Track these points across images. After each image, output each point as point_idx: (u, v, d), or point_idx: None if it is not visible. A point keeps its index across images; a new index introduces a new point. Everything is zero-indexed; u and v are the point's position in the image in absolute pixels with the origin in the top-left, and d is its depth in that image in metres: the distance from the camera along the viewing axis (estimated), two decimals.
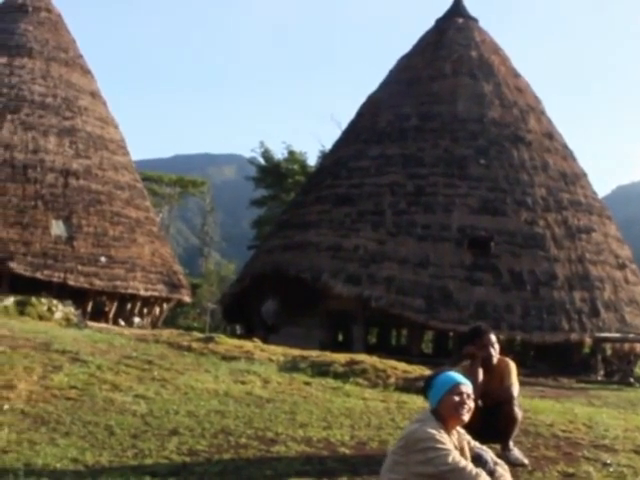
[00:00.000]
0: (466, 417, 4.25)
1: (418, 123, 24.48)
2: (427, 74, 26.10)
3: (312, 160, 46.23)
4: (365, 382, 10.17)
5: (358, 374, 10.52)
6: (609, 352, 20.13)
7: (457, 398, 4.18)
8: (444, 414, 4.18)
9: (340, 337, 24.97)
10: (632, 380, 17.94)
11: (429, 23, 29.01)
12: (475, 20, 28.51)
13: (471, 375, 5.53)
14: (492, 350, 6.03)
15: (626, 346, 20.15)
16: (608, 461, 6.29)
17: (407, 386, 9.74)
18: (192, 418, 7.03)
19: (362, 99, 28.13)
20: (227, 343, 13.29)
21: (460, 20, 28.17)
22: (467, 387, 4.27)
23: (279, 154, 47.46)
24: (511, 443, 6.01)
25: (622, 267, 22.68)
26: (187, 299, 31.24)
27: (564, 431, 7.46)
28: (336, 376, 10.52)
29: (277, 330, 22.14)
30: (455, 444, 4.17)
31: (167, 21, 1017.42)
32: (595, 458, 6.37)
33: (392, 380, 10.21)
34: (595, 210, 23.85)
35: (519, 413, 5.98)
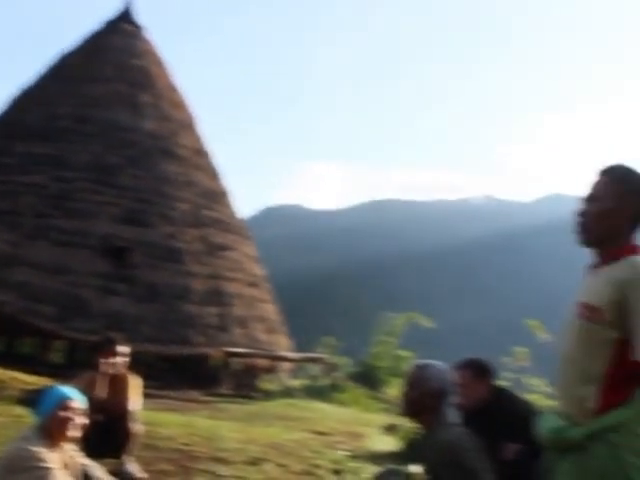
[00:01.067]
0: (74, 433, 4.12)
1: (71, 125, 23.59)
2: (86, 76, 25.30)
3: None
4: None
5: None
6: (238, 366, 20.96)
7: (64, 414, 4.03)
8: (51, 430, 4.01)
9: None
10: (255, 393, 18.86)
11: (94, 23, 28.23)
12: (142, 29, 28.30)
13: (91, 388, 5.41)
14: (113, 362, 5.95)
15: (253, 361, 21.15)
16: (223, 473, 6.51)
17: (27, 399, 9.26)
18: None
19: (14, 91, 26.58)
20: None
21: (127, 26, 27.77)
22: (77, 402, 4.14)
23: None
24: (128, 458, 5.96)
25: (255, 285, 23.84)
26: None
27: (185, 444, 7.58)
28: None
29: None
30: (63, 461, 4.03)
31: None
32: (211, 470, 6.56)
33: (12, 392, 9.65)
34: (235, 229, 24.84)
35: (136, 428, 5.96)
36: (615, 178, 2.99)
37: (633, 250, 2.91)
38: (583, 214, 3.03)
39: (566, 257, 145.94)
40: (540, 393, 14.49)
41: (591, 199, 3.02)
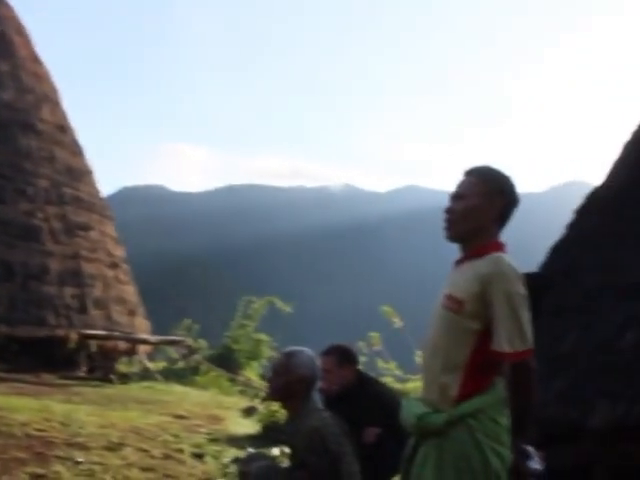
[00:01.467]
0: None
1: None
2: None
3: None
4: None
5: None
6: (94, 349, 20.48)
7: None
8: None
9: None
10: (113, 376, 18.49)
11: None
12: None
13: None
14: None
15: (111, 343, 20.70)
16: (80, 459, 6.39)
17: None
18: None
19: None
20: None
21: None
22: None
23: None
24: None
25: (115, 266, 23.34)
26: None
27: (39, 430, 7.37)
28: None
29: None
30: None
31: None
32: (68, 457, 6.42)
33: None
34: (96, 208, 24.16)
35: None
36: (480, 178, 3.16)
37: (497, 247, 3.09)
38: (449, 211, 3.18)
39: (417, 245, 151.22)
40: (392, 376, 14.97)
41: (457, 197, 3.18)
